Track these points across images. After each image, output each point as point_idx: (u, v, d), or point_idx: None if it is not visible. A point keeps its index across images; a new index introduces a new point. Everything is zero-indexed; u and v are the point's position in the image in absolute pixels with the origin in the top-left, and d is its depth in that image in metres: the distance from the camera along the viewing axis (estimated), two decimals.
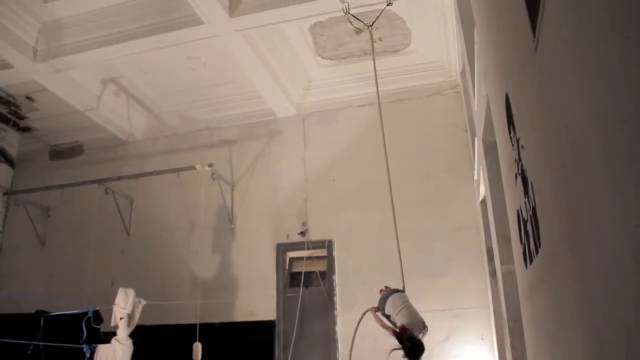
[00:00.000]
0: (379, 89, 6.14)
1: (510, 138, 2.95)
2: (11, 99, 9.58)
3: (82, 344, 7.26)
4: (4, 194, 10.48)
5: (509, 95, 2.86)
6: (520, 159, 2.70)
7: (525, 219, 2.72)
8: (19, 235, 10.37)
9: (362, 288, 7.60)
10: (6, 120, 10.25)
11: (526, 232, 2.77)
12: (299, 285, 8.58)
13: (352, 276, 8.26)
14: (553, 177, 1.99)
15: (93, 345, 7.27)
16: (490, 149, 4.73)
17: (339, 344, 8.12)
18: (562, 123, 1.77)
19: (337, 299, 8.35)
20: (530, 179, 2.46)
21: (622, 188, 1.23)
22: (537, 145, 2.26)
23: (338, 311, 8.29)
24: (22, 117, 10.22)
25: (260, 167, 9.44)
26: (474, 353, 7.46)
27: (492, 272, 6.26)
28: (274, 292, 8.69)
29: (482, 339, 7.45)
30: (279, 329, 8.49)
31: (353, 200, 8.51)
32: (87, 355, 7.18)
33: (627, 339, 1.31)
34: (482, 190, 6.28)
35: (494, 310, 6.51)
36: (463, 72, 7.49)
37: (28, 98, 9.51)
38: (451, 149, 8.37)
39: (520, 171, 2.73)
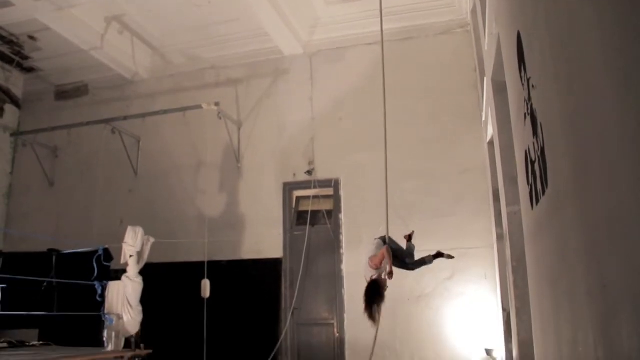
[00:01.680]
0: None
1: (521, 77, 2.91)
2: (14, 39, 9.45)
3: (93, 280, 7.44)
4: (12, 134, 10.50)
5: (521, 34, 2.80)
6: (530, 99, 2.66)
7: (533, 159, 2.71)
8: (27, 176, 10.48)
9: (368, 227, 7.67)
10: (10, 61, 10.16)
11: (533, 173, 2.77)
12: (305, 224, 8.69)
13: (358, 215, 8.34)
14: (563, 118, 1.97)
15: (104, 282, 7.45)
16: (499, 89, 4.68)
17: (345, 282, 8.30)
18: (575, 63, 1.73)
19: (343, 238, 8.47)
20: (539, 119, 2.44)
21: (633, 130, 1.22)
22: (548, 85, 2.23)
23: (344, 249, 8.42)
24: (25, 57, 10.12)
25: (266, 106, 9.38)
26: (477, 291, 7.62)
27: (498, 213, 6.30)
28: (280, 230, 8.81)
29: (486, 278, 7.58)
30: (286, 266, 8.66)
31: (360, 139, 8.47)
32: (99, 291, 7.37)
33: (632, 280, 1.32)
34: (490, 131, 6.24)
35: (498, 250, 6.59)
36: (474, 11, 7.30)
37: (31, 37, 9.37)
38: (459, 90, 8.27)
39: (529, 111, 2.70)
